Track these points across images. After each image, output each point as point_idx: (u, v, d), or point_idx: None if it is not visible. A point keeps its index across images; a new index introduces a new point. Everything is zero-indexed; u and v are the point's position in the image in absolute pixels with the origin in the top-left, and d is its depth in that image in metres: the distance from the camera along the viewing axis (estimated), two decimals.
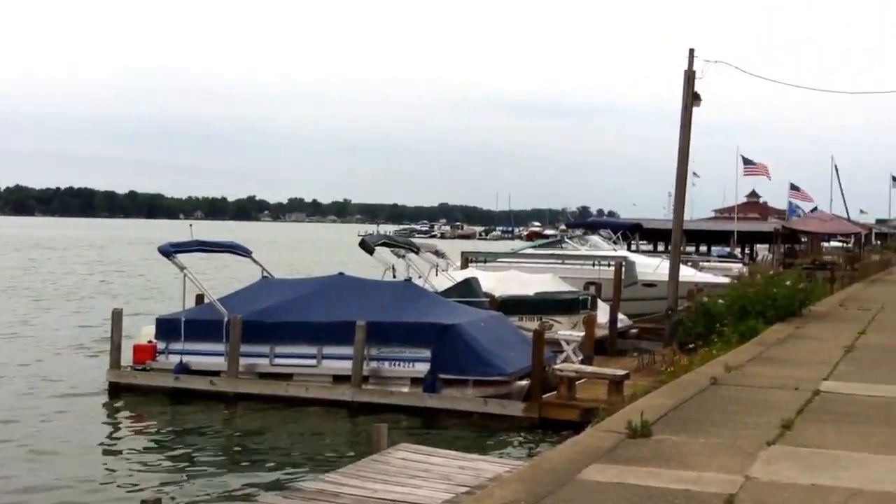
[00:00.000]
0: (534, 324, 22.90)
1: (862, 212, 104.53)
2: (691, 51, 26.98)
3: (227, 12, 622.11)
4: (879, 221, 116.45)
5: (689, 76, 26.87)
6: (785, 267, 36.91)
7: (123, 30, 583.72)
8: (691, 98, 26.97)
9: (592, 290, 28.91)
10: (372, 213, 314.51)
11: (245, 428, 18.26)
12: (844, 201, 78.23)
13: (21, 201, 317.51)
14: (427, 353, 18.94)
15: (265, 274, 23.60)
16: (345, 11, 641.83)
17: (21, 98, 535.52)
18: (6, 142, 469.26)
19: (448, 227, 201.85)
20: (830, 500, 6.98)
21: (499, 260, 36.39)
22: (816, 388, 12.12)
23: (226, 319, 20.27)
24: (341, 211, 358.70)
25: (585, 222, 58.53)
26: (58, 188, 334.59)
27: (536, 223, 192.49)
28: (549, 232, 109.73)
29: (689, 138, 27.45)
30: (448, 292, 24.51)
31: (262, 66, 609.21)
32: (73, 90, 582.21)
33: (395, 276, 25.02)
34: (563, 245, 41.14)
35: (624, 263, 32.88)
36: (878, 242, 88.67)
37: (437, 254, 29.61)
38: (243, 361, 20.07)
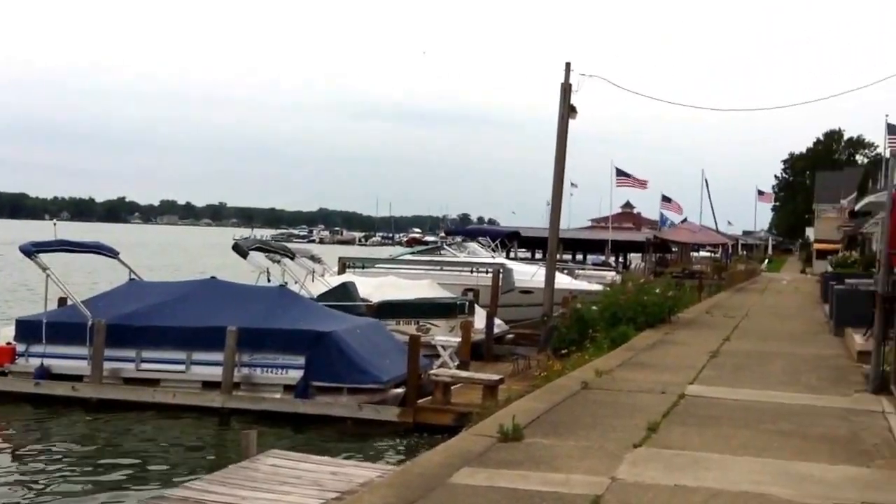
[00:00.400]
0: (411, 327, 22.90)
1: (729, 223, 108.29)
2: (567, 64, 27.48)
3: (93, 6, 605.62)
4: (745, 233, 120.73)
5: (566, 89, 27.35)
6: (656, 275, 37.89)
7: None
8: (567, 110, 27.44)
9: (470, 296, 29.07)
10: (248, 216, 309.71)
11: (109, 436, 17.62)
12: (713, 213, 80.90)
13: None
14: (301, 360, 18.68)
15: (133, 276, 23.00)
16: (222, 11, 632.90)
17: None
18: None
19: (327, 233, 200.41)
20: (692, 501, 7.14)
21: (377, 266, 36.29)
22: (682, 392, 12.43)
23: (90, 322, 19.65)
24: (216, 214, 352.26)
25: (464, 230, 59.09)
26: None
27: (417, 230, 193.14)
28: (429, 239, 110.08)
29: (566, 149, 27.92)
30: (324, 297, 24.29)
31: (139, 64, 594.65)
32: None
33: (269, 281, 24.65)
34: (442, 252, 41.34)
35: (501, 270, 33.20)
36: (744, 253, 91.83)
37: (314, 259, 29.32)
38: (108, 366, 19.47)
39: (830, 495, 7.41)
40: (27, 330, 20.27)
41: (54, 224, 25.47)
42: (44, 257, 21.52)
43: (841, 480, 7.94)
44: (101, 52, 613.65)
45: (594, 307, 22.82)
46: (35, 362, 19.91)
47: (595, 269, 49.73)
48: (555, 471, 7.97)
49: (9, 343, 20.34)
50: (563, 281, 32.33)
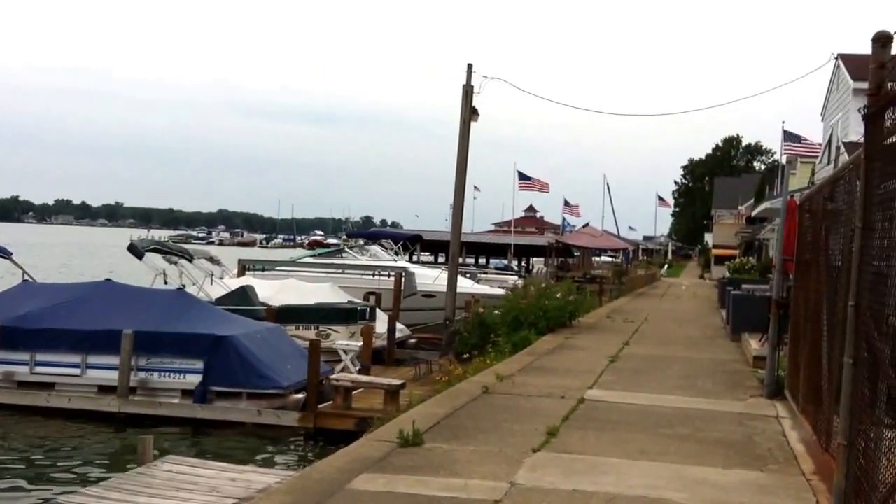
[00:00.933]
0: (311, 333, 22.66)
1: (631, 228, 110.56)
2: (469, 66, 27.51)
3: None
4: (646, 238, 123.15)
5: (467, 91, 27.40)
6: (557, 280, 38.26)
7: None
8: (469, 112, 27.51)
9: (372, 300, 28.94)
10: (146, 217, 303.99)
11: (1, 441, 17.05)
12: (615, 218, 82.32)
13: None
14: (199, 365, 18.34)
15: (26, 277, 22.31)
16: (124, 7, 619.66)
17: None
18: None
19: (227, 234, 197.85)
20: None
21: (277, 268, 35.86)
22: (581, 397, 12.56)
23: None
24: (113, 214, 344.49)
25: (367, 232, 58.71)
26: None
27: (319, 232, 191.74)
28: (331, 241, 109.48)
29: (468, 152, 27.99)
30: (222, 300, 23.86)
31: (30, 59, 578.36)
32: None
33: (165, 283, 24.15)
34: (344, 255, 41.06)
35: (403, 274, 33.15)
36: (645, 258, 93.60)
37: (213, 261, 28.85)
38: (0, 369, 18.87)
39: (725, 500, 7.55)
40: None
41: None
42: None
43: (735, 485, 8.09)
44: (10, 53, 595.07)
45: (496, 311, 22.95)
46: None
47: (497, 274, 50.11)
48: (454, 476, 7.97)
49: None
50: (465, 285, 32.45)
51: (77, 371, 18.91)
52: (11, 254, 23.21)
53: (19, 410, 18.46)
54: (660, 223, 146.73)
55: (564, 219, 71.15)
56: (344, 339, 23.36)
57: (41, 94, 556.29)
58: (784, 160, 35.71)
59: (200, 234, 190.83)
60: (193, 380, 18.29)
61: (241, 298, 24.42)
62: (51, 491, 13.54)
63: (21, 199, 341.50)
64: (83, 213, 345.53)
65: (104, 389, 18.56)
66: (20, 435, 17.42)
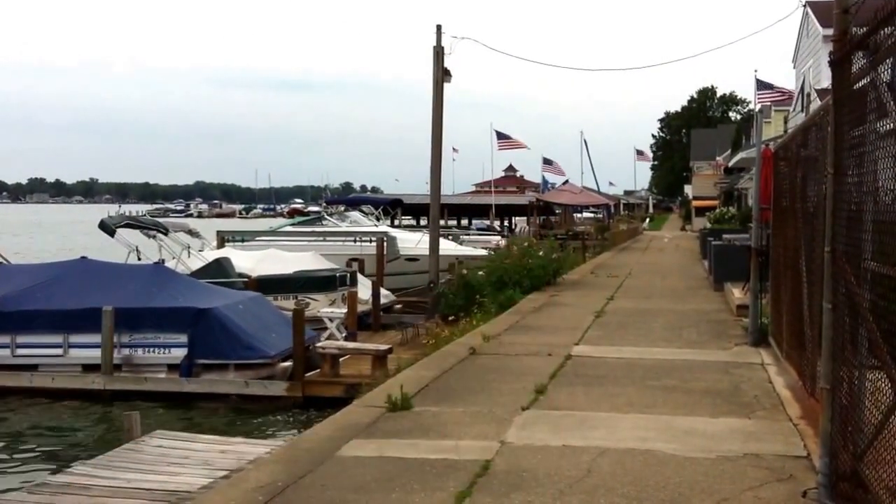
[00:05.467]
0: (290, 303, 22.57)
1: (611, 184, 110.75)
2: (438, 27, 27.32)
3: None
4: (627, 193, 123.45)
5: (438, 52, 27.23)
6: (540, 238, 38.32)
7: None
8: (441, 74, 27.36)
9: (355, 266, 28.86)
10: (122, 192, 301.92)
11: None
12: (594, 174, 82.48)
13: None
14: (183, 339, 18.26)
15: (0, 259, 22.12)
16: None
17: None
18: None
19: (205, 206, 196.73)
20: (580, 460, 7.22)
21: (257, 239, 35.67)
22: (568, 353, 12.60)
23: None
24: (88, 191, 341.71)
25: (346, 199, 58.55)
26: None
27: (298, 200, 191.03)
28: (311, 209, 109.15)
29: (442, 113, 27.85)
30: (199, 273, 23.59)
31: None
32: None
33: (139, 259, 23.94)
34: (324, 222, 40.90)
35: (385, 239, 33.06)
36: (626, 212, 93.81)
37: (191, 233, 28.63)
38: None
39: (714, 448, 7.59)
40: None
41: None
42: None
43: (724, 433, 8.14)
44: None
45: (480, 272, 22.94)
46: None
47: (480, 234, 50.07)
48: (444, 438, 7.99)
49: None
50: (448, 247, 32.41)
51: (59, 351, 18.80)
52: None
53: (2, 393, 18.37)
54: (639, 177, 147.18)
55: (544, 177, 71.07)
56: (325, 307, 23.32)
57: (6, 72, 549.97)
58: (758, 109, 35.79)
59: (178, 207, 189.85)
60: (178, 354, 18.22)
61: (218, 271, 24.22)
62: (40, 471, 13.49)
63: None
64: (58, 191, 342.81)
65: (88, 368, 18.47)
66: (5, 417, 17.35)
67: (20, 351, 18.91)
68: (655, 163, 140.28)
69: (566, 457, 7.33)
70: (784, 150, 12.12)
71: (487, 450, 7.55)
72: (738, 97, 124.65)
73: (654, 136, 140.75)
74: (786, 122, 35.89)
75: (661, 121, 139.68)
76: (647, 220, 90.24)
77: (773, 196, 12.63)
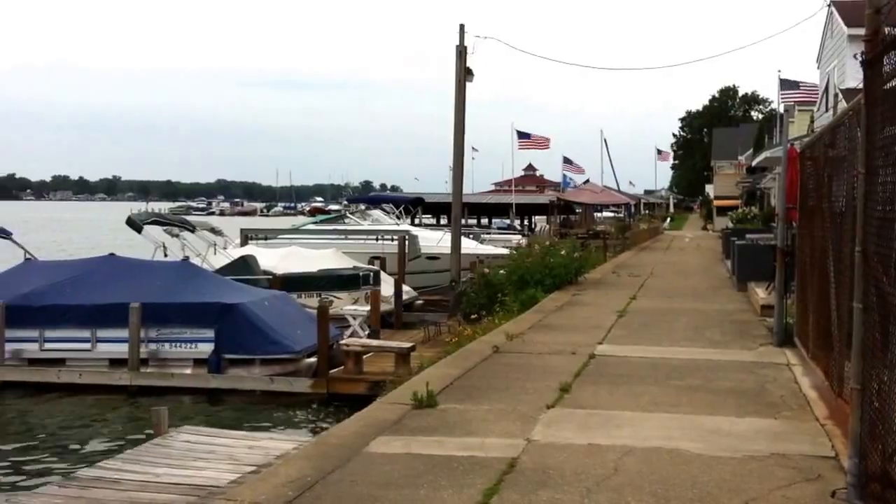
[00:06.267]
0: (314, 300, 22.69)
1: (631, 183, 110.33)
2: (461, 26, 27.44)
3: None
4: (647, 192, 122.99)
5: (461, 51, 27.30)
6: (561, 237, 38.29)
7: None
8: (464, 73, 27.41)
9: (377, 264, 28.97)
10: (145, 190, 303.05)
11: (16, 418, 17.23)
12: (615, 173, 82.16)
13: None
14: (210, 334, 18.44)
15: (28, 256, 22.34)
16: None
17: None
18: None
19: (227, 204, 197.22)
20: (606, 459, 7.25)
21: (280, 237, 35.85)
22: (592, 352, 12.61)
23: None
24: (111, 189, 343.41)
25: (368, 197, 58.69)
26: None
27: (319, 199, 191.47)
28: (331, 207, 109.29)
29: (464, 113, 27.93)
30: (224, 270, 23.82)
31: (28, 39, 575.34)
32: None
33: (166, 256, 24.12)
34: (346, 220, 41.05)
35: (407, 237, 33.16)
36: (647, 212, 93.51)
37: (215, 232, 28.83)
38: (9, 347, 19.05)
39: (740, 447, 7.60)
40: None
41: None
42: None
43: (750, 433, 8.15)
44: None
45: (501, 271, 22.97)
46: None
47: (501, 233, 50.07)
48: (470, 435, 8.02)
49: None
50: (469, 246, 32.47)
51: (87, 346, 19.01)
52: (11, 234, 23.17)
53: (31, 387, 18.59)
54: (660, 177, 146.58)
55: (565, 176, 70.98)
56: (348, 305, 23.42)
57: (33, 72, 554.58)
58: (782, 109, 35.62)
59: (200, 205, 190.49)
60: (205, 349, 18.41)
61: (243, 268, 24.42)
62: (69, 466, 13.65)
63: (17, 176, 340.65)
64: (81, 189, 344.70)
65: (115, 363, 18.68)
66: (34, 412, 17.58)
67: (48, 345, 19.15)
68: (676, 162, 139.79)
69: (592, 455, 7.37)
70: (811, 149, 12.09)
71: (513, 447, 7.59)
72: (760, 96, 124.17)
73: (674, 135, 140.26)
74: (812, 121, 35.69)
75: (682, 120, 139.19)
76: (668, 219, 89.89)
77: (800, 195, 12.61)
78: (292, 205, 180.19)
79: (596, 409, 9.07)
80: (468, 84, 27.76)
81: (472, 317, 20.88)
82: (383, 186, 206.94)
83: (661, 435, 7.99)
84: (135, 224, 24.64)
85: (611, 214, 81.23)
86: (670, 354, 12.58)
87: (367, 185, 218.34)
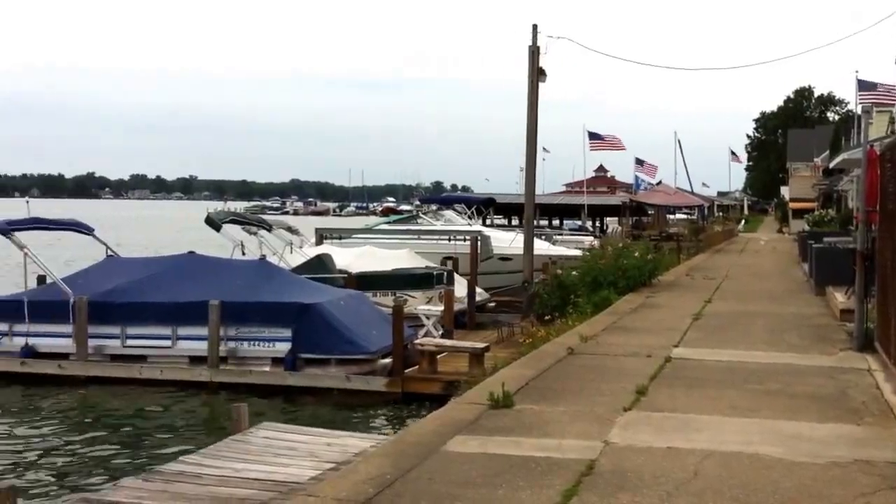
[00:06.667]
0: (388, 299, 22.90)
1: (704, 185, 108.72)
2: (534, 26, 27.41)
3: None
4: (721, 194, 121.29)
5: (534, 52, 27.27)
6: (634, 239, 38.04)
7: None
8: (536, 73, 27.38)
9: (450, 264, 29.08)
10: (220, 189, 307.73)
11: (99, 412, 17.67)
12: (688, 175, 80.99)
13: None
14: (287, 333, 18.67)
15: (110, 253, 22.84)
16: None
17: None
18: None
19: (301, 204, 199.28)
20: (686, 462, 7.23)
21: (354, 236, 36.16)
22: (668, 355, 12.54)
23: (72, 300, 19.55)
24: (187, 188, 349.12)
25: (439, 198, 58.88)
26: None
27: (391, 199, 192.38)
28: (403, 207, 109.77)
29: (537, 113, 27.90)
30: (300, 269, 24.12)
31: (124, 49, 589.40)
32: None
33: (244, 254, 24.51)
34: (419, 220, 41.26)
35: (479, 238, 33.21)
36: (720, 214, 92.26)
37: (291, 231, 29.20)
38: (93, 343, 19.49)
39: (822, 453, 7.52)
40: (9, 309, 20.17)
41: (27, 202, 25.19)
42: (20, 235, 21.37)
43: (831, 438, 8.06)
44: (75, 36, 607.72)
45: (574, 272, 22.91)
46: (19, 342, 19.86)
47: (572, 234, 49.87)
48: (547, 436, 8.05)
49: None
50: (541, 247, 32.41)
51: (168, 343, 19.41)
52: (93, 230, 23.71)
53: (112, 382, 19.05)
54: (734, 178, 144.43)
55: (637, 177, 70.39)
56: (422, 305, 23.56)
57: (110, 74, 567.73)
58: (860, 110, 34.91)
59: (274, 205, 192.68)
60: (282, 348, 18.66)
61: (319, 266, 24.69)
62: (150, 460, 13.98)
63: (97, 175, 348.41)
64: (158, 188, 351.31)
65: (195, 360, 19.03)
66: (116, 406, 18.03)
67: (130, 342, 19.58)
68: (750, 163, 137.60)
69: (671, 458, 7.35)
70: (891, 151, 11.89)
71: (591, 449, 7.60)
72: (836, 97, 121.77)
73: (748, 136, 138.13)
74: (891, 122, 34.94)
75: (756, 121, 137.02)
76: (742, 221, 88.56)
77: (880, 198, 12.40)
78: (364, 205, 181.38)
79: (673, 413, 9.04)
80: (541, 84, 27.71)
81: (545, 318, 20.87)
82: (454, 187, 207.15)
83: (740, 439, 7.94)
84: (214, 223, 25.03)
85: (683, 216, 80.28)
86: (748, 358, 12.46)
87: (437, 185, 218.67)
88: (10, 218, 22.32)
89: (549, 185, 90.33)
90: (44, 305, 20.02)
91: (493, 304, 28.71)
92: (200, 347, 18.88)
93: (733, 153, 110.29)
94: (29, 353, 19.63)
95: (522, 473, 6.93)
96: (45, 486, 13.14)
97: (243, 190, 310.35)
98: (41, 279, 22.50)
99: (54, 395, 18.59)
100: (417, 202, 60.52)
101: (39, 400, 18.38)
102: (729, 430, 8.34)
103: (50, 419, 17.10)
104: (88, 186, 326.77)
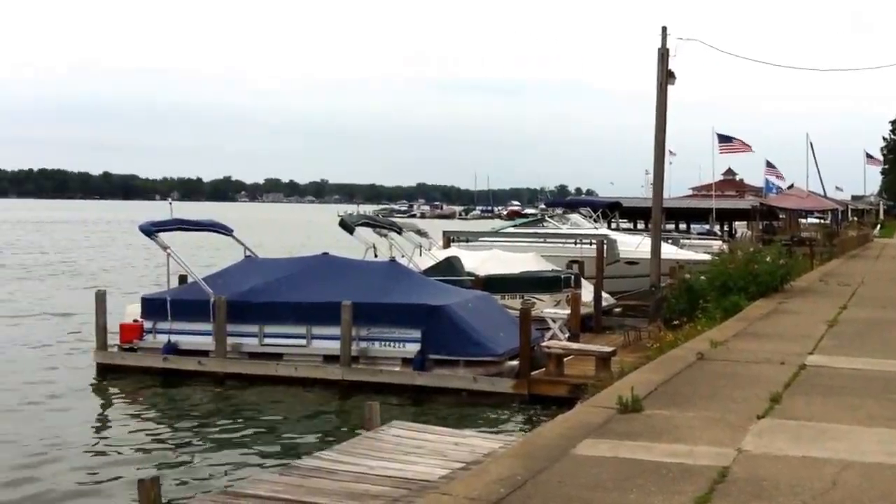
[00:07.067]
0: (516, 302, 23.01)
1: (837, 188, 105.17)
2: (664, 28, 27.17)
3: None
4: (855, 198, 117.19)
5: (663, 54, 26.99)
6: (764, 243, 37.16)
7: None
8: (666, 76, 27.08)
9: (576, 268, 29.00)
10: (350, 193, 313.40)
11: (236, 407, 18.28)
12: (820, 178, 78.58)
13: None
14: (417, 334, 18.97)
15: (248, 253, 23.51)
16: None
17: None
18: None
19: (427, 207, 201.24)
20: (824, 472, 7.09)
21: (481, 239, 36.37)
22: (802, 363, 12.26)
23: (212, 300, 20.26)
24: (319, 191, 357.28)
25: (565, 201, 58.61)
26: (30, 170, 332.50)
27: (515, 202, 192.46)
28: (528, 211, 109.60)
29: (665, 117, 27.61)
30: (430, 271, 24.48)
31: (245, 53, 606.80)
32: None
33: (375, 256, 24.96)
34: (545, 224, 41.21)
35: (606, 241, 32.98)
36: (855, 218, 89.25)
37: (420, 233, 29.58)
38: (231, 341, 20.11)
39: None
40: (153, 307, 21.05)
41: (170, 203, 26.15)
42: (162, 236, 22.22)
43: None
44: (196, 41, 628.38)
45: (703, 277, 22.58)
46: (162, 338, 20.71)
47: (700, 239, 49.04)
48: (678, 442, 7.98)
49: (136, 320, 21.16)
50: (668, 251, 32.00)
51: (303, 342, 19.94)
52: (232, 231, 24.46)
53: (250, 379, 19.68)
54: (869, 182, 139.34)
55: (767, 181, 68.63)
56: (549, 308, 23.57)
57: (249, 83, 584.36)
58: None
59: (402, 208, 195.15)
60: (412, 349, 18.96)
61: (449, 269, 24.98)
62: (285, 455, 14.40)
63: (233, 179, 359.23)
64: (291, 191, 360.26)
65: (328, 359, 19.49)
66: (253, 402, 18.61)
67: (267, 340, 20.18)
68: (886, 167, 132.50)
69: (807, 468, 7.23)
70: None
71: (723, 456, 7.51)
72: None
73: (884, 138, 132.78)
74: None
75: (892, 123, 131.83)
76: (878, 226, 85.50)
77: None
78: (490, 208, 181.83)
79: (809, 421, 8.84)
80: (670, 87, 27.43)
81: (673, 323, 20.63)
82: (578, 191, 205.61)
83: (881, 450, 7.75)
84: (347, 226, 25.57)
85: (815, 220, 77.93)
86: (887, 367, 12.09)
87: (562, 188, 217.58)
88: (155, 219, 23.18)
89: (676, 188, 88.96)
90: (185, 304, 20.82)
91: (619, 309, 28.51)
92: (333, 347, 19.33)
93: (869, 156, 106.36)
94: (171, 349, 20.43)
95: (654, 479, 6.90)
96: (185, 478, 13.67)
97: (372, 193, 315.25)
98: (182, 279, 23.35)
99: (194, 390, 19.36)
100: (543, 205, 60.33)
101: (180, 395, 19.16)
102: (868, 440, 8.13)
103: (190, 413, 17.82)
104: (224, 190, 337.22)
